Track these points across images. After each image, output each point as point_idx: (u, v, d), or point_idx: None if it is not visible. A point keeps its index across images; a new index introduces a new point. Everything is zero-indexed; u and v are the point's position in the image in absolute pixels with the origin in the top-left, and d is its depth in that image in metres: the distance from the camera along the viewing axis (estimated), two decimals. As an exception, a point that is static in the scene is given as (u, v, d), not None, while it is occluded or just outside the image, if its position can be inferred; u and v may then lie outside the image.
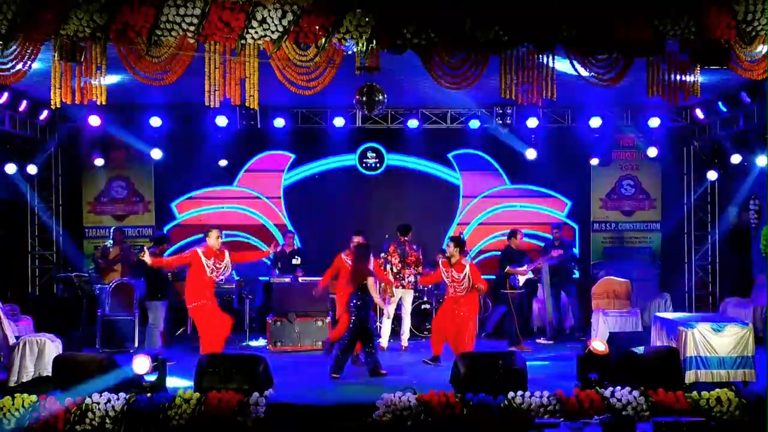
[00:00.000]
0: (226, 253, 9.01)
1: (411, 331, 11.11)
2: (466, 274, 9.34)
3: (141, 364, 7.55)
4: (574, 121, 12.66)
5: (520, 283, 10.85)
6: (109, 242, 12.26)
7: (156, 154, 12.81)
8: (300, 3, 7.60)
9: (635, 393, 7.09)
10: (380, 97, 8.26)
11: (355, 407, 7.22)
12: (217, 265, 8.87)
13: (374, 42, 7.66)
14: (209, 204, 13.73)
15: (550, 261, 11.40)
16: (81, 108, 9.94)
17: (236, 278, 11.44)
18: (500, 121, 12.38)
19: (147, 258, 8.83)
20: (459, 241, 9.63)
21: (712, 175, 12.51)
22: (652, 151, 12.87)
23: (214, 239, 8.97)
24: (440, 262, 9.74)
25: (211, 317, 8.88)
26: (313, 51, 7.79)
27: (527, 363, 7.88)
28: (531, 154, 12.87)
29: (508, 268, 10.85)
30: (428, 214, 13.76)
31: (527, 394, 7.09)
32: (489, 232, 13.68)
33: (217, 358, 7.80)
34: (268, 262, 13.02)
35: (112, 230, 12.88)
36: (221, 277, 9.10)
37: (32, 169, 12.27)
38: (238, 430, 6.74)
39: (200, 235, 12.53)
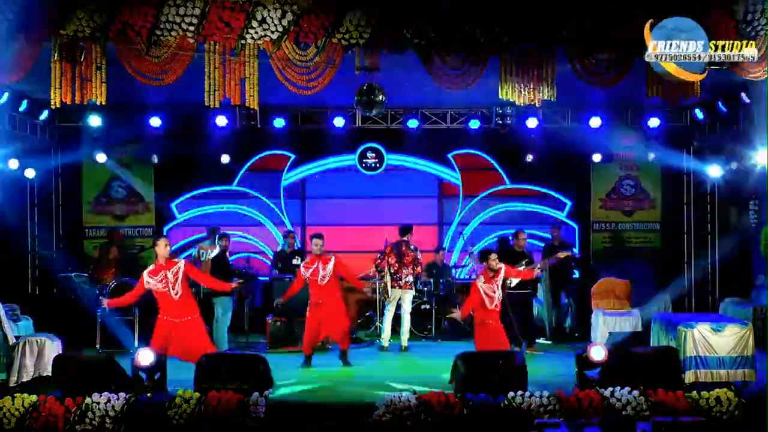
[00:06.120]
0: (181, 264, 8.18)
1: (411, 331, 11.10)
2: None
3: (144, 357, 7.52)
4: (574, 121, 12.66)
5: (513, 284, 10.77)
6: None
7: (155, 154, 12.83)
8: (300, 3, 7.61)
9: (635, 393, 7.08)
10: (380, 97, 8.27)
11: (355, 407, 7.22)
12: (170, 277, 8.03)
13: (374, 42, 7.67)
14: (209, 204, 13.74)
15: (551, 261, 11.38)
16: (81, 108, 9.94)
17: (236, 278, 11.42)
18: (500, 121, 12.38)
19: (104, 303, 8.53)
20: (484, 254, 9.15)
21: (714, 170, 12.47)
22: (653, 155, 12.94)
23: (162, 248, 8.15)
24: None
25: (167, 334, 8.17)
26: (312, 51, 7.80)
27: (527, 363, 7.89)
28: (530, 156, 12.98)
29: None
30: (428, 214, 13.78)
31: (527, 394, 7.09)
32: (489, 232, 13.68)
33: (217, 358, 7.80)
34: (268, 263, 13.04)
35: (107, 231, 13.00)
36: (175, 291, 8.06)
37: (32, 169, 12.28)
38: (238, 430, 6.73)
39: (199, 235, 12.61)
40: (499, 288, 8.83)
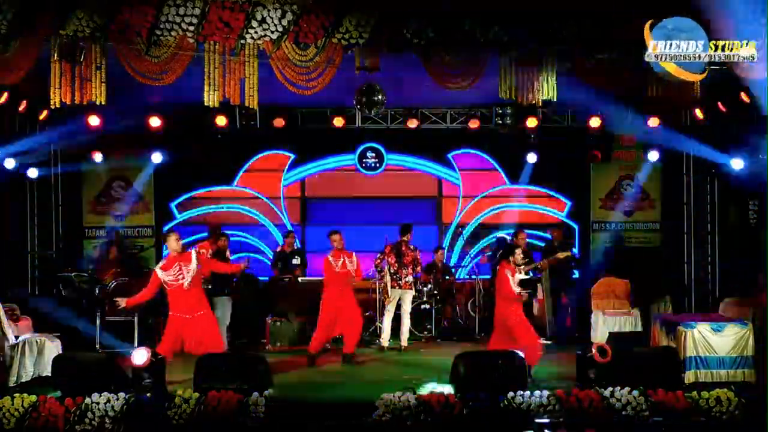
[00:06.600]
0: (193, 254, 8.25)
1: (411, 331, 11.10)
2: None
3: (140, 357, 7.49)
4: (574, 121, 12.65)
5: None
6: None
7: (156, 154, 12.83)
8: (300, 3, 7.61)
9: (635, 393, 7.09)
10: (380, 97, 8.27)
11: (355, 407, 7.22)
12: (184, 269, 8.13)
13: (374, 42, 7.67)
14: (209, 204, 13.73)
15: (550, 261, 11.37)
16: (81, 108, 9.94)
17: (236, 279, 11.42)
18: (500, 121, 12.38)
19: (122, 302, 8.39)
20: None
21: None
22: (653, 155, 12.93)
23: (173, 242, 8.23)
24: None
25: (179, 331, 8.25)
26: (312, 51, 7.80)
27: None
28: (531, 157, 12.99)
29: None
30: (428, 214, 13.78)
31: (527, 394, 7.09)
32: (489, 232, 13.68)
33: (217, 358, 7.80)
34: (268, 262, 13.03)
35: (108, 231, 13.07)
36: (189, 283, 8.14)
37: (32, 170, 12.28)
38: (238, 430, 6.73)
39: (200, 235, 12.61)
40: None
